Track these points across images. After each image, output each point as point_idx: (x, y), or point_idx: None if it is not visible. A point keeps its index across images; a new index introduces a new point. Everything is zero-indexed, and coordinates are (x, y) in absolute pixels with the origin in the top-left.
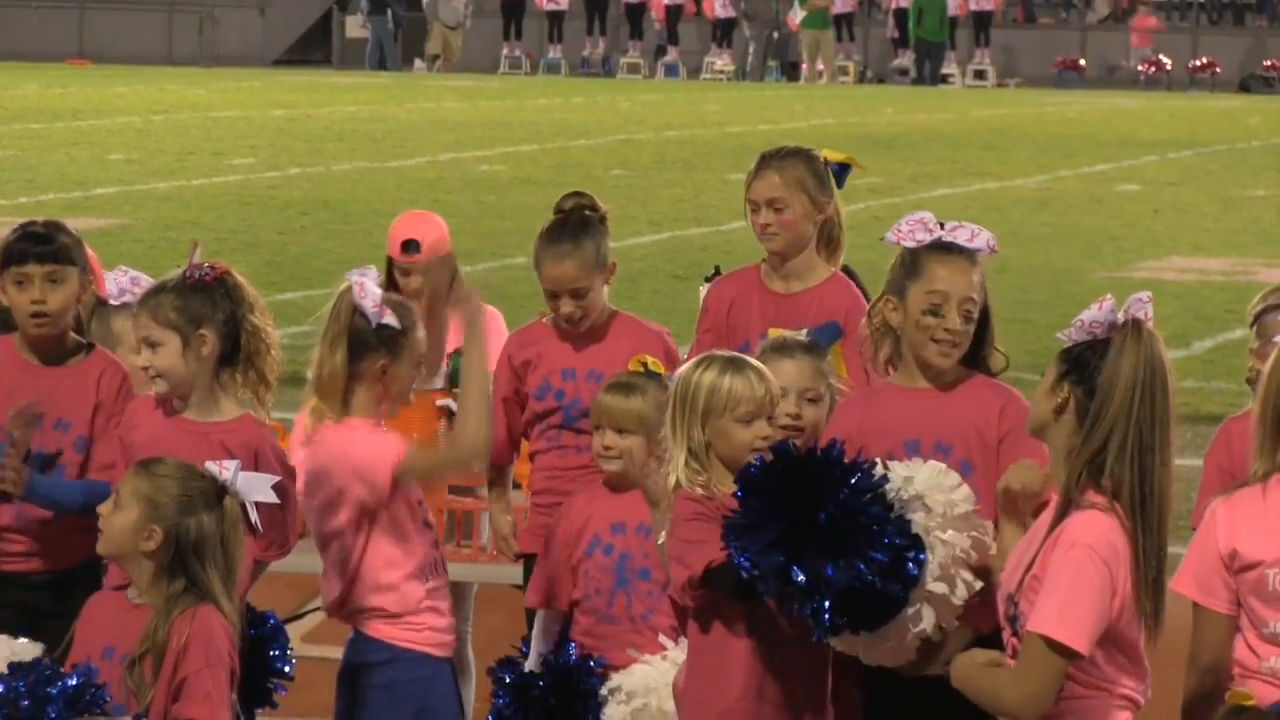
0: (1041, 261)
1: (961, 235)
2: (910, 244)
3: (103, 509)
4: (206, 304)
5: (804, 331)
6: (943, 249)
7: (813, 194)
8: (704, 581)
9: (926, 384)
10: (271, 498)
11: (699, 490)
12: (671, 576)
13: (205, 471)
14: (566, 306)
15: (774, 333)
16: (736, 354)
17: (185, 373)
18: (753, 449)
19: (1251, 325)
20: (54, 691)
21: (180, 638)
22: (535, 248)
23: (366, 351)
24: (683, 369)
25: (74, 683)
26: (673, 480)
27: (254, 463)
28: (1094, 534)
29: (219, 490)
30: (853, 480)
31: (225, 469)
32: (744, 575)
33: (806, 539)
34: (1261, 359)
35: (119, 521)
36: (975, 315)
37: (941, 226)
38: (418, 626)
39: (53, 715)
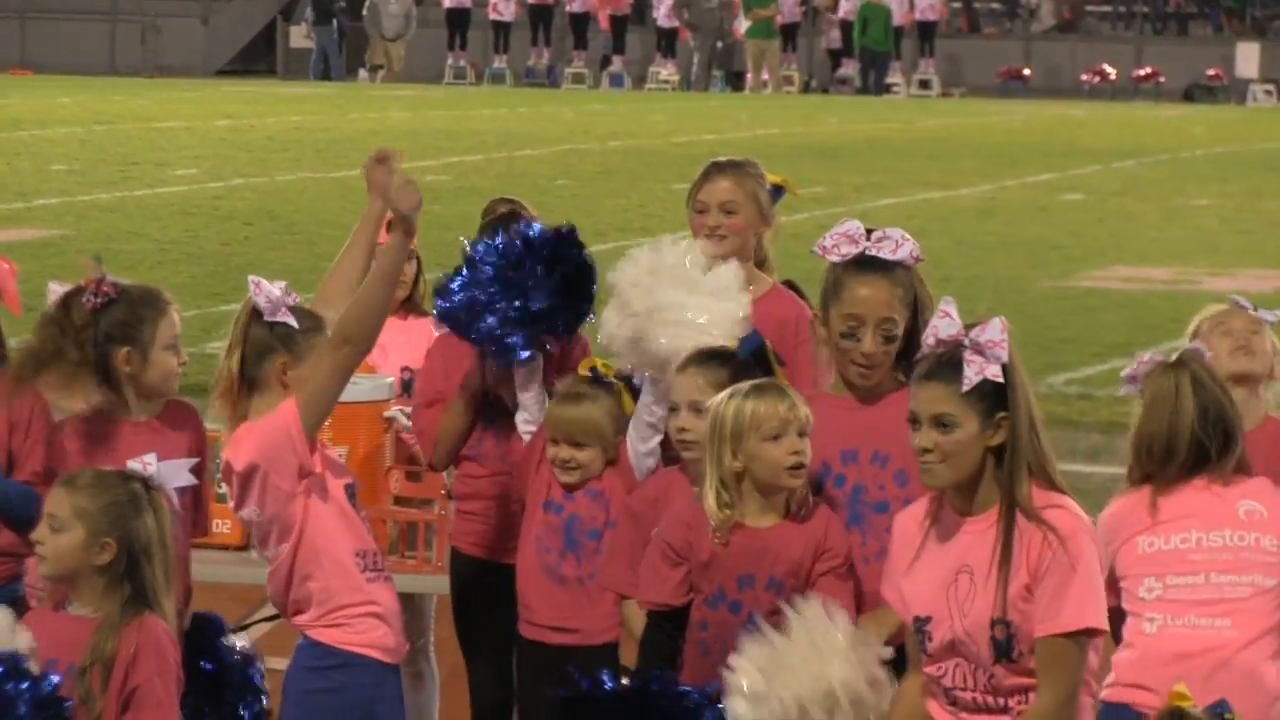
0: (986, 271)
1: (885, 248)
2: (835, 258)
3: (40, 535)
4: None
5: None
6: (862, 267)
7: (762, 206)
8: (648, 617)
9: (860, 394)
10: (189, 480)
11: (713, 519)
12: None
13: (129, 472)
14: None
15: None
16: (764, 379)
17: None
18: (787, 466)
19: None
20: (24, 687)
21: (129, 648)
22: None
23: (267, 352)
24: (715, 401)
25: (48, 690)
26: (694, 503)
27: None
28: (1084, 520)
29: (147, 486)
30: None
31: (147, 464)
32: None
33: None
34: None
35: (66, 542)
36: (898, 332)
37: (869, 235)
38: (363, 630)
39: (22, 712)
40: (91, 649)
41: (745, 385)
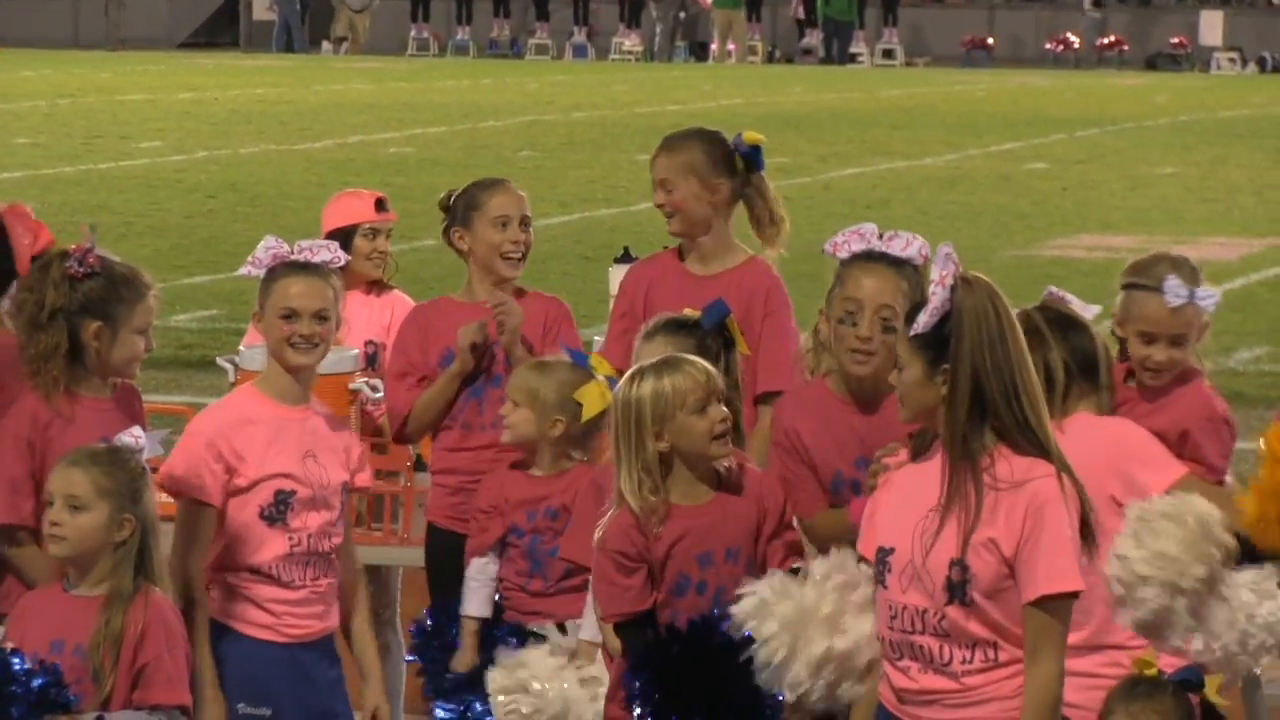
0: (950, 240)
1: (895, 245)
2: (844, 254)
3: (56, 516)
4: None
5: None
6: (868, 257)
7: (703, 176)
8: (615, 629)
9: (865, 395)
10: (161, 451)
11: (638, 509)
12: (594, 583)
13: (125, 447)
14: (516, 234)
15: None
16: (664, 356)
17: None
18: (714, 435)
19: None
20: (18, 690)
21: (136, 625)
22: (472, 194)
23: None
24: (619, 388)
25: (38, 683)
26: (617, 503)
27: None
28: (1055, 486)
29: (141, 462)
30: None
31: (138, 438)
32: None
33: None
34: (1121, 326)
35: (89, 522)
36: (896, 324)
37: (880, 237)
38: (243, 606)
39: (15, 715)
40: (101, 626)
41: (646, 366)
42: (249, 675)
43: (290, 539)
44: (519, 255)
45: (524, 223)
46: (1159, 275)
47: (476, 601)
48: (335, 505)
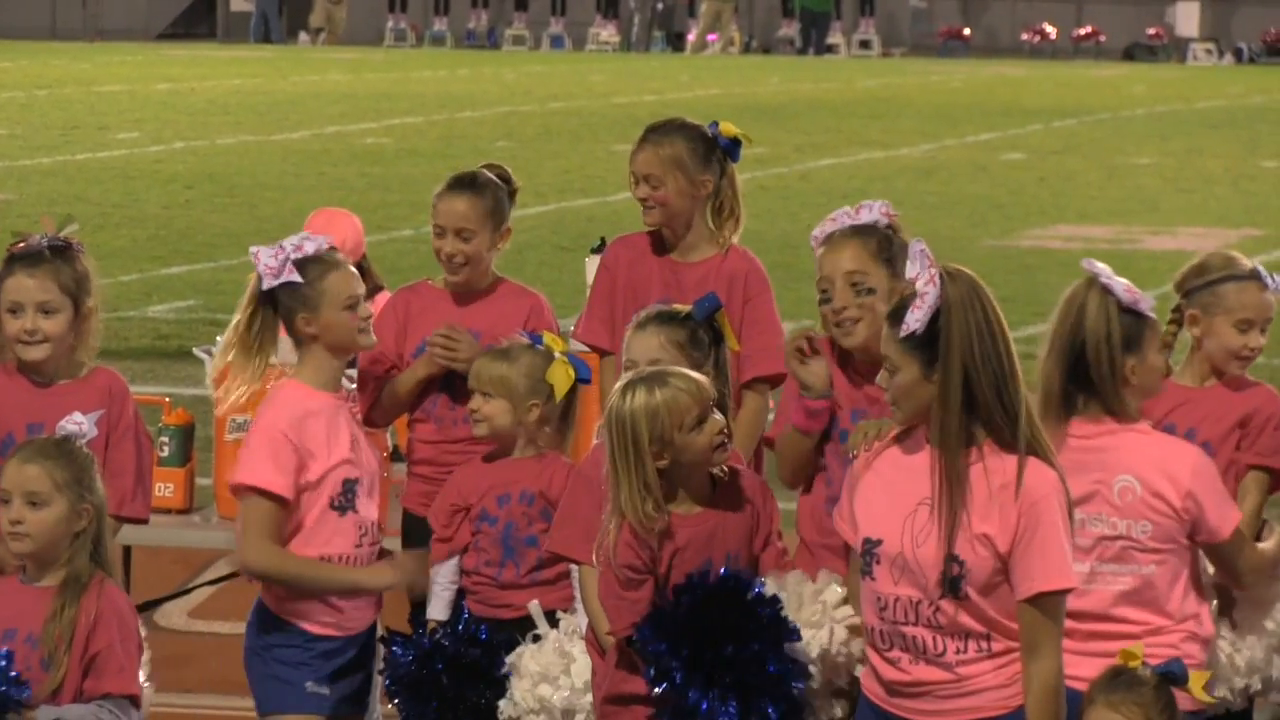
0: (927, 230)
1: (862, 215)
2: (817, 247)
3: (17, 514)
4: (84, 274)
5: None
6: (829, 239)
7: (690, 171)
8: (627, 642)
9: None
10: (95, 433)
11: (640, 525)
12: (602, 599)
13: (70, 434)
14: (449, 245)
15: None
16: (651, 369)
17: (69, 341)
18: (715, 446)
19: (1198, 288)
20: None
21: (89, 614)
22: (435, 193)
23: (289, 315)
24: (611, 401)
25: None
26: (617, 518)
27: (115, 403)
28: (1052, 480)
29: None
30: (767, 626)
31: (80, 424)
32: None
33: (714, 672)
34: (1196, 325)
35: (50, 516)
36: (871, 284)
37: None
38: (308, 604)
39: None
40: (56, 611)
41: (635, 380)
42: (311, 660)
43: (360, 529)
44: (455, 263)
45: (461, 234)
46: (1246, 266)
47: (442, 605)
48: (377, 492)
